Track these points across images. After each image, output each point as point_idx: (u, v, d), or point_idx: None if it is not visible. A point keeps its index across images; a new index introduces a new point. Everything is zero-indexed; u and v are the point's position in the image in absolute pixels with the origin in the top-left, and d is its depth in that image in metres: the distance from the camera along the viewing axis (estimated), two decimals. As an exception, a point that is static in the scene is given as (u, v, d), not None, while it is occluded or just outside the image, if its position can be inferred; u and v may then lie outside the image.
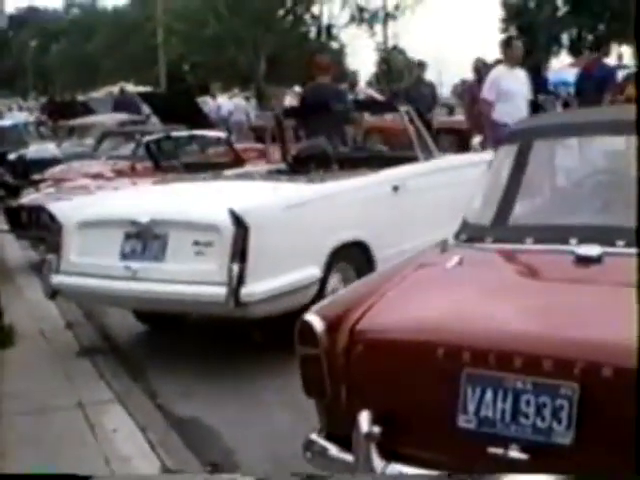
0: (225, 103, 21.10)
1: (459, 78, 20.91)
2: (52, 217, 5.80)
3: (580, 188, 3.86)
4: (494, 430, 2.74)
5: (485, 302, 3.01)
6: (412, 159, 7.02)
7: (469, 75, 16.82)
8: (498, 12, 52.33)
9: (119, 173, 9.94)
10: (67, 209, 5.90)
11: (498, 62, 10.77)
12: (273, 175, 7.00)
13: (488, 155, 8.50)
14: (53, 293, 5.81)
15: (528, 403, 2.69)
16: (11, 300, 7.00)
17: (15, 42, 67.97)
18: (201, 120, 14.74)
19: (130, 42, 51.66)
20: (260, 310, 5.14)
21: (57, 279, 5.72)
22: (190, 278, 5.17)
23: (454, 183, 7.31)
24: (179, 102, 15.34)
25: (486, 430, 2.75)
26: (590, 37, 47.65)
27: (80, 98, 22.44)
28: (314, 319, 3.04)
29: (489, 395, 2.74)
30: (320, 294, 5.50)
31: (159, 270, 5.31)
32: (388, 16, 45.12)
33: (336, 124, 8.25)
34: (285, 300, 5.23)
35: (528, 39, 42.33)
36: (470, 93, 11.95)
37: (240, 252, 5.01)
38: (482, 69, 11.84)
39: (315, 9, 46.88)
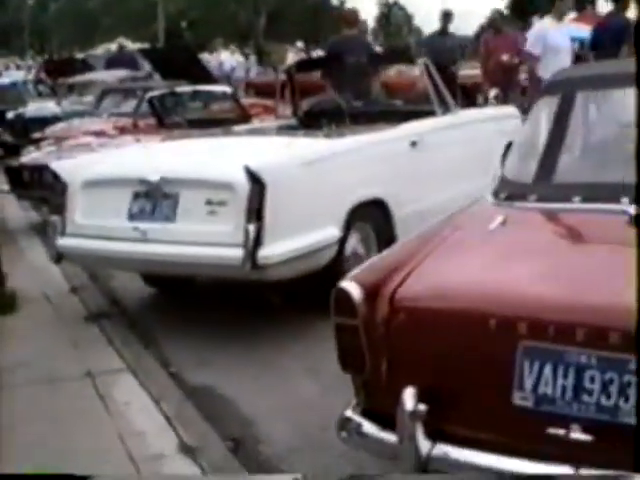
0: (228, 59, 20.63)
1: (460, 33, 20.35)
2: (56, 176, 5.50)
3: (628, 143, 3.56)
4: (554, 408, 2.48)
5: (538, 267, 2.73)
6: (429, 113, 6.72)
7: (469, 30, 16.40)
8: (502, -34, 51.46)
9: (122, 130, 9.62)
10: (71, 168, 5.59)
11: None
12: (286, 130, 6.69)
13: (506, 109, 8.21)
14: (59, 257, 5.53)
15: (592, 379, 2.43)
16: (13, 263, 6.71)
17: (12, 1, 66.92)
18: (204, 76, 14.39)
19: (129, -2, 50.88)
20: (278, 273, 4.86)
21: (62, 242, 5.44)
22: (203, 239, 4.89)
23: (473, 138, 7.05)
24: (181, 58, 14.97)
25: (545, 409, 2.49)
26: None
27: (79, 56, 21.96)
28: (351, 286, 2.77)
29: (548, 370, 2.48)
30: (339, 255, 5.25)
31: (170, 231, 5.02)
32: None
33: (364, 77, 7.95)
34: (304, 262, 4.96)
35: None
36: (486, 46, 11.51)
37: (256, 211, 4.72)
38: (499, 21, 11.41)
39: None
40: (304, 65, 8.20)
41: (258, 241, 4.71)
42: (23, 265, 6.99)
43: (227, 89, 9.48)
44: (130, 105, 11.94)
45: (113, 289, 6.44)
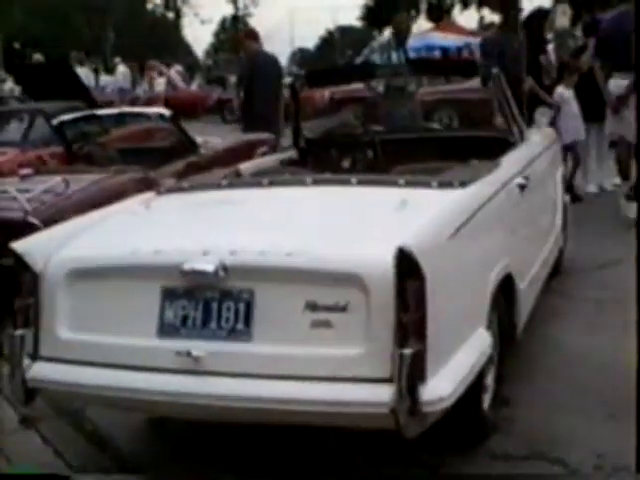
0: (109, 80, 18.14)
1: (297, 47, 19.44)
2: (20, 262, 3.37)
3: None
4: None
5: None
6: (496, 141, 4.98)
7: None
8: (356, -23, 50.81)
9: (30, 167, 7.26)
10: (44, 247, 3.44)
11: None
12: (345, 177, 4.53)
13: (548, 132, 6.55)
14: (29, 394, 3.37)
15: None
16: None
17: None
18: (84, 95, 12.29)
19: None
20: (435, 417, 2.94)
21: (36, 370, 3.31)
22: (307, 370, 2.91)
23: (545, 172, 5.42)
24: (57, 75, 12.85)
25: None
26: (449, 1, 46.55)
27: None
28: None
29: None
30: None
31: (243, 356, 2.99)
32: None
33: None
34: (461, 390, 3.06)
35: (388, 5, 40.84)
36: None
37: (415, 323, 2.79)
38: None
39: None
40: (316, 77, 6.20)
41: (418, 372, 2.78)
42: None
43: (164, 111, 7.39)
44: (14, 132, 9.76)
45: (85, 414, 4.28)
